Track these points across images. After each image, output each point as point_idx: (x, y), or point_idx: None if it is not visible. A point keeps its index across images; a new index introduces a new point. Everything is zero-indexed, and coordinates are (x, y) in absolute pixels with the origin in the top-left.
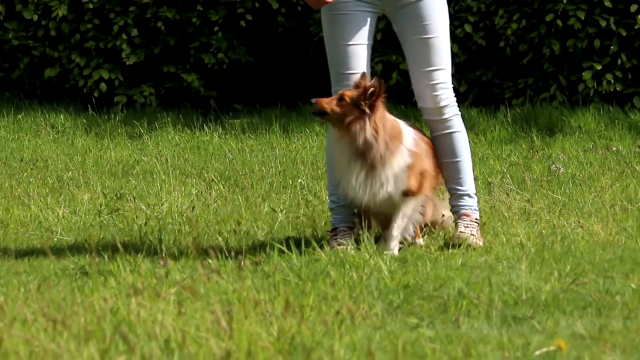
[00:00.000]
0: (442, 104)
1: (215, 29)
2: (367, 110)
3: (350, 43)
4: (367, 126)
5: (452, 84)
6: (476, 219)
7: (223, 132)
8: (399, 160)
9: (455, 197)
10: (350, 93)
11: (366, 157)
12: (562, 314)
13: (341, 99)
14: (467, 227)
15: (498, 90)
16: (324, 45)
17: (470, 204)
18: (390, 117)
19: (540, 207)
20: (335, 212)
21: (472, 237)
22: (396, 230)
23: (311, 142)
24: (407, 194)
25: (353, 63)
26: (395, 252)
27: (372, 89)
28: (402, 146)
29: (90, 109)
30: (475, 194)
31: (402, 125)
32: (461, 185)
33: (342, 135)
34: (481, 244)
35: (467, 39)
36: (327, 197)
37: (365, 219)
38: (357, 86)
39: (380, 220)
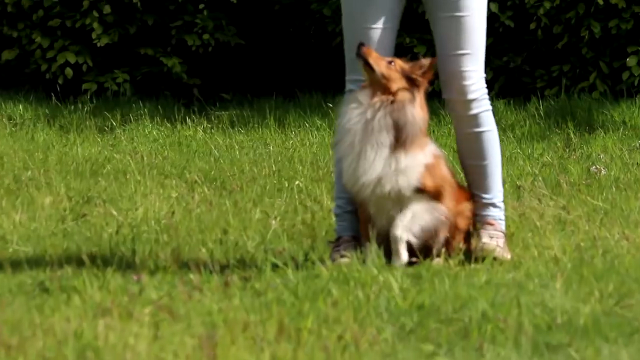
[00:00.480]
0: (470, 96)
1: (201, 6)
2: (420, 80)
3: (372, 26)
4: (416, 100)
5: None
6: (502, 230)
7: (208, 126)
8: (420, 156)
9: (477, 206)
10: (401, 62)
11: (399, 133)
12: (604, 341)
13: (391, 62)
14: (492, 237)
15: (529, 79)
16: (325, 25)
17: (495, 214)
18: None
19: (577, 215)
20: (341, 218)
21: (498, 248)
22: (400, 227)
23: (311, 138)
24: (419, 190)
25: (375, 48)
26: (403, 257)
27: (424, 63)
28: (428, 145)
29: (54, 97)
30: (502, 202)
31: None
32: (486, 193)
33: (374, 102)
34: (508, 257)
35: (493, 20)
36: (329, 202)
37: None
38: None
39: (377, 219)
